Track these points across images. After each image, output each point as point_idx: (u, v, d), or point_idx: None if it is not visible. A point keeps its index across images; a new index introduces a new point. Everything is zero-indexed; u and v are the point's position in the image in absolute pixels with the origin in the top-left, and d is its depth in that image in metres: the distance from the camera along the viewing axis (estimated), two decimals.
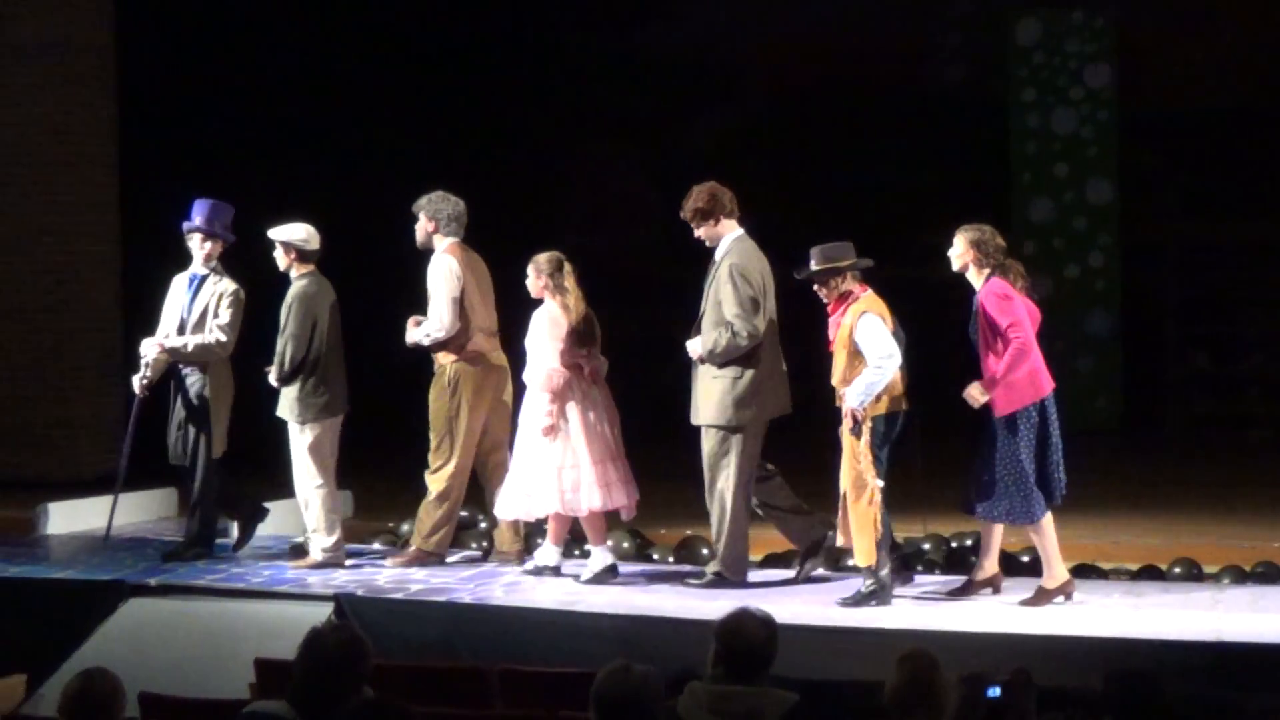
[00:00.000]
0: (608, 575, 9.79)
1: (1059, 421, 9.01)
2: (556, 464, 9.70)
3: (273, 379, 10.29)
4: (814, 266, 9.03)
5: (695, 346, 9.46)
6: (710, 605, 8.51)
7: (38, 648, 9.43)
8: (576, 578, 9.84)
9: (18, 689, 8.89)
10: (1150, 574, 10.10)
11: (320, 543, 10.34)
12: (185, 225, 10.49)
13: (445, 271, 10.13)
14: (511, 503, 9.94)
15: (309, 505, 10.34)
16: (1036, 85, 16.75)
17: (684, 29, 17.61)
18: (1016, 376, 8.79)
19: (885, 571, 9.00)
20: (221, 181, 13.40)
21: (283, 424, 10.35)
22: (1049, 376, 8.98)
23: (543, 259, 9.81)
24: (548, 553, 10.01)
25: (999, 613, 8.88)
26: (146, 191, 10.89)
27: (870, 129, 17.14)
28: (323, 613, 9.24)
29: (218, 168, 14.32)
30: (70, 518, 11.84)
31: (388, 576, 10.03)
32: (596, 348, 9.86)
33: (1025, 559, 9.99)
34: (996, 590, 9.23)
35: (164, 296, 10.65)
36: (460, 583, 9.85)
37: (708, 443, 9.48)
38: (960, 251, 8.98)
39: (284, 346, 10.24)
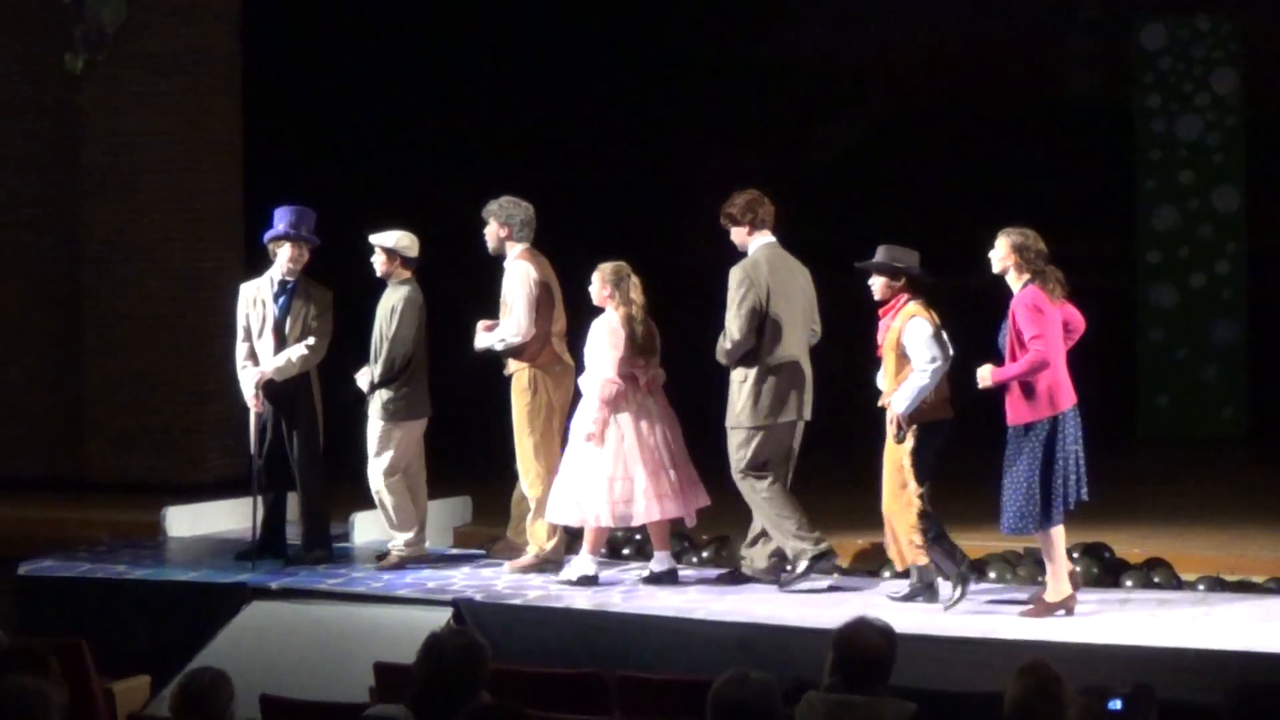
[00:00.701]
0: (667, 579, 9.92)
1: (1079, 437, 8.88)
2: (608, 474, 9.78)
3: (366, 382, 10.36)
4: (875, 261, 9.20)
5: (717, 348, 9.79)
6: (829, 614, 8.48)
7: (162, 649, 9.55)
8: (647, 578, 9.98)
9: (142, 690, 9.00)
10: (1278, 586, 9.94)
11: (399, 539, 10.46)
12: (270, 234, 10.60)
13: (524, 277, 10.19)
14: (561, 508, 9.99)
15: (383, 503, 10.47)
16: (1162, 91, 16.54)
17: (809, 36, 17.55)
18: (1038, 388, 8.75)
19: (930, 569, 9.13)
20: (342, 188, 13.55)
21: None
22: (1070, 393, 8.87)
23: (608, 268, 9.90)
24: (583, 563, 10.00)
25: (1120, 624, 8.77)
26: (270, 199, 11.00)
27: (995, 136, 17.01)
28: (441, 618, 9.30)
29: (340, 175, 14.48)
30: (194, 521, 11.97)
31: (506, 582, 10.06)
32: (656, 359, 9.96)
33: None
34: (1075, 587, 9.14)
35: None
36: (578, 588, 9.86)
37: (730, 444, 9.76)
38: (1002, 254, 8.95)
39: (390, 350, 10.34)
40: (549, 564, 10.28)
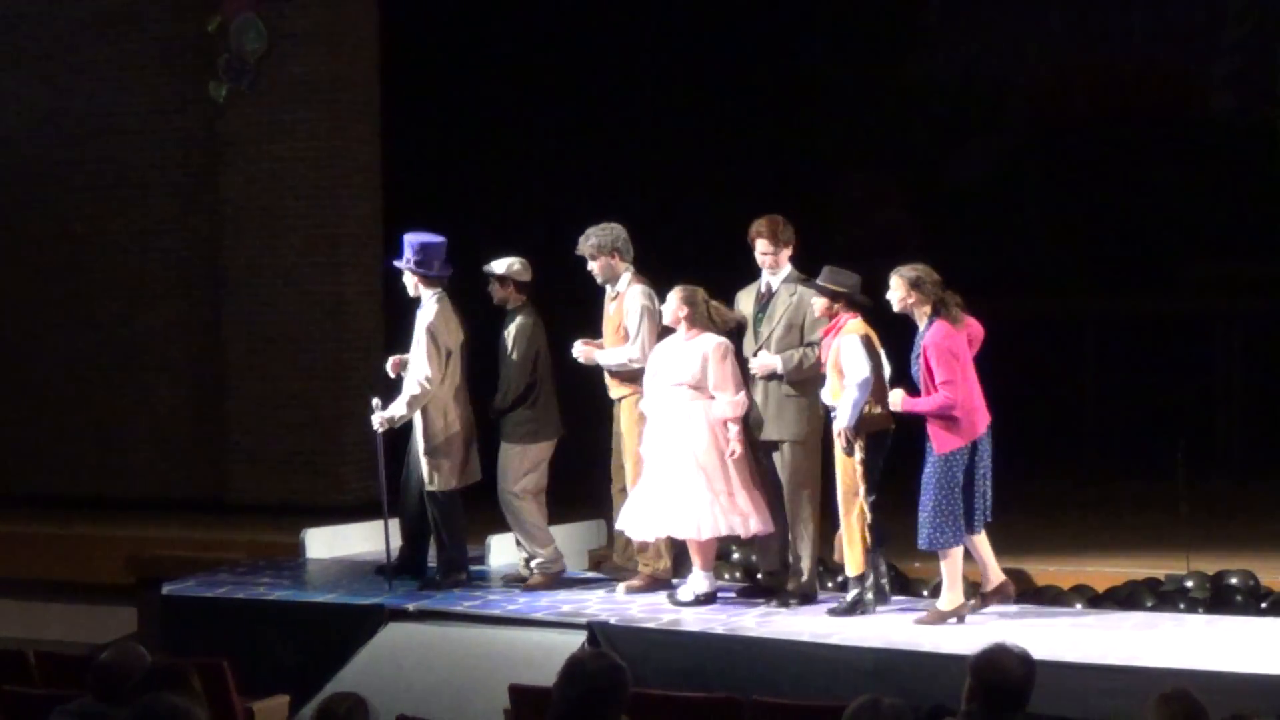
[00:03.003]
0: (707, 600, 9.99)
1: (990, 453, 9.29)
2: (717, 489, 9.86)
3: (495, 407, 10.47)
4: (819, 283, 9.55)
5: (771, 363, 9.86)
6: (966, 639, 8.41)
7: (301, 669, 9.66)
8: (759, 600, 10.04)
9: (281, 709, 9.09)
10: None
11: (540, 556, 10.52)
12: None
13: (646, 301, 10.31)
14: (653, 523, 10.01)
15: (520, 524, 10.55)
16: None
17: (948, 59, 17.47)
18: (955, 417, 9.12)
19: (870, 582, 9.52)
20: (481, 213, 13.60)
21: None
22: (985, 413, 9.29)
23: (698, 292, 9.97)
24: (699, 581, 10.05)
25: (1264, 652, 8.60)
26: (410, 225, 11.10)
27: (1138, 158, 16.82)
28: (576, 640, 9.33)
29: (478, 201, 14.56)
30: (333, 543, 12.07)
31: (640, 605, 10.06)
32: None
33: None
34: (1009, 598, 9.53)
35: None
36: (713, 612, 9.83)
37: (794, 459, 9.88)
38: (901, 295, 9.32)
39: (510, 375, 10.43)
40: (660, 583, 10.33)
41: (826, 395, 9.55)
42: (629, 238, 10.45)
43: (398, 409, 10.48)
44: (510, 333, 10.49)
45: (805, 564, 9.93)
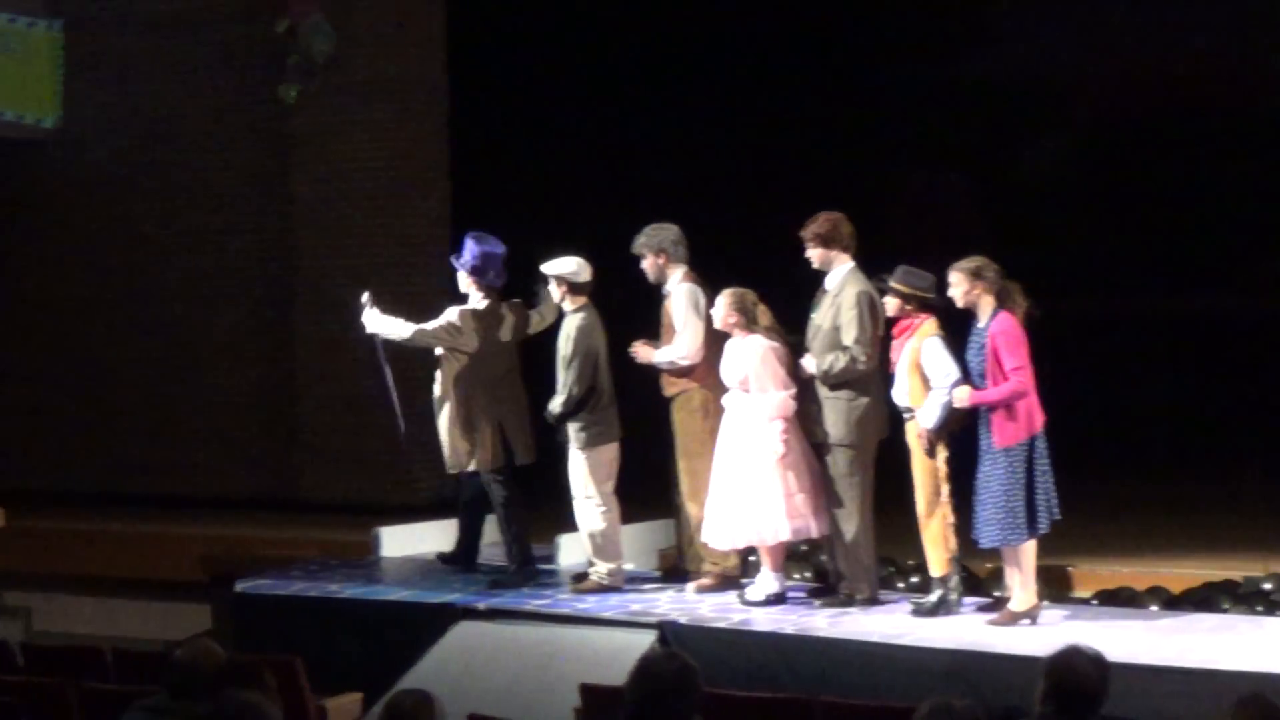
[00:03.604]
0: (777, 600, 10.00)
1: (1048, 453, 9.22)
2: (788, 491, 9.86)
3: (553, 411, 10.43)
4: (892, 284, 9.50)
5: (810, 364, 9.81)
6: (1039, 641, 8.39)
7: (373, 667, 9.71)
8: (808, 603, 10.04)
9: (354, 707, 9.13)
10: None
11: (601, 567, 10.49)
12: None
13: (692, 299, 10.30)
14: (734, 530, 9.99)
15: (591, 533, 10.50)
16: None
17: (1013, 56, 17.34)
18: (1019, 411, 9.10)
19: (954, 582, 9.52)
20: (545, 211, 13.63)
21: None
22: (1041, 411, 9.21)
23: (746, 295, 9.97)
24: (769, 581, 10.06)
25: None
26: (476, 221, 11.15)
27: (1204, 155, 16.68)
28: (646, 640, 9.35)
29: (546, 199, 14.59)
30: (404, 541, 12.13)
31: (710, 605, 10.05)
32: None
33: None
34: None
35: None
36: (783, 612, 9.83)
37: (834, 461, 9.82)
38: (965, 288, 9.29)
39: (570, 379, 10.37)
40: (729, 583, 10.33)
41: (902, 397, 9.49)
42: (682, 238, 10.41)
43: (385, 326, 11.14)
44: (570, 334, 10.46)
45: (850, 565, 9.87)
